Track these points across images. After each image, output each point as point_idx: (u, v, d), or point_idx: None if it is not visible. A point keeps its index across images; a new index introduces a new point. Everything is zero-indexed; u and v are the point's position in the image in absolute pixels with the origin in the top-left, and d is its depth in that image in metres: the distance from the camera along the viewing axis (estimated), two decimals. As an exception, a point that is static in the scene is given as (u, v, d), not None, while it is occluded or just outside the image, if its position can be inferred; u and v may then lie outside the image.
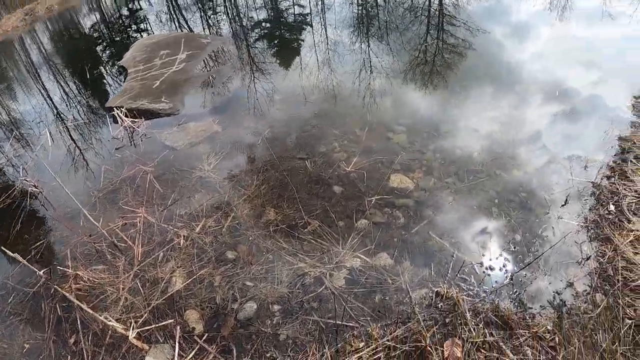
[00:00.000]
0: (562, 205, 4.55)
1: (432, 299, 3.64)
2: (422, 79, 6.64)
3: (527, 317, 3.64)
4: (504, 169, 4.68)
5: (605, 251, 4.32)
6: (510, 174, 4.83)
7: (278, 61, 7.61)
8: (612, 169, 5.15)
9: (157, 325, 3.14)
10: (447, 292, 3.71)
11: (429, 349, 3.40)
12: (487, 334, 3.62)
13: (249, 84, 7.19)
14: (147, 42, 9.04)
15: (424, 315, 3.64)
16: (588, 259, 4.19)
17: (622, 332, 3.61)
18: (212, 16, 10.66)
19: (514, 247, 4.04)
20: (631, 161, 5.22)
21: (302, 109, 6.14)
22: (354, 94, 6.39)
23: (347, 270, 3.64)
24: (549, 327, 3.69)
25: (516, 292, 3.81)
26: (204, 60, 7.81)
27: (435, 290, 3.82)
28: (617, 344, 3.55)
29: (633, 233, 4.42)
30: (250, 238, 4.04)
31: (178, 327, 3.13)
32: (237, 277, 3.56)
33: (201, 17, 10.66)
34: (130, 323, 3.10)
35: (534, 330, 3.65)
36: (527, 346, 3.47)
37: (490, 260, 3.92)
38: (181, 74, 7.26)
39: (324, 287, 3.47)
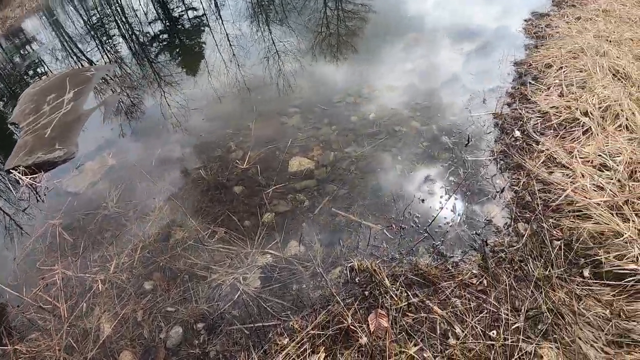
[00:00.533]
0: (467, 145, 4.31)
1: (347, 276, 3.49)
2: (326, 53, 6.70)
3: (450, 268, 3.42)
4: (402, 124, 4.77)
5: (518, 179, 4.24)
6: (409, 126, 4.82)
7: (183, 71, 7.84)
8: (512, 95, 5.04)
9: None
10: (360, 264, 3.37)
11: (353, 327, 3.22)
12: (411, 296, 3.43)
13: (143, 104, 7.08)
14: (32, 91, 8.43)
15: (343, 294, 3.48)
16: (502, 191, 4.12)
17: (553, 254, 3.53)
18: (107, 41, 10.06)
19: (423, 202, 4.00)
20: (530, 83, 5.10)
21: (195, 116, 6.08)
22: (255, 86, 6.45)
23: (260, 270, 3.57)
24: (474, 272, 3.54)
25: (434, 245, 3.64)
26: (92, 93, 7.31)
27: (349, 265, 3.48)
28: (549, 268, 3.44)
29: (544, 153, 4.38)
30: (161, 264, 3.85)
31: (116, 374, 2.76)
32: (159, 306, 3.46)
33: (97, 45, 10.03)
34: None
35: (459, 279, 3.49)
36: (454, 297, 3.17)
37: (401, 219, 3.84)
38: (71, 115, 6.79)
39: (239, 293, 3.40)
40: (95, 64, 9.41)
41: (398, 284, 3.47)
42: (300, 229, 3.83)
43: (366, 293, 3.45)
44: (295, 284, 3.40)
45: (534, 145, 4.49)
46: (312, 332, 3.22)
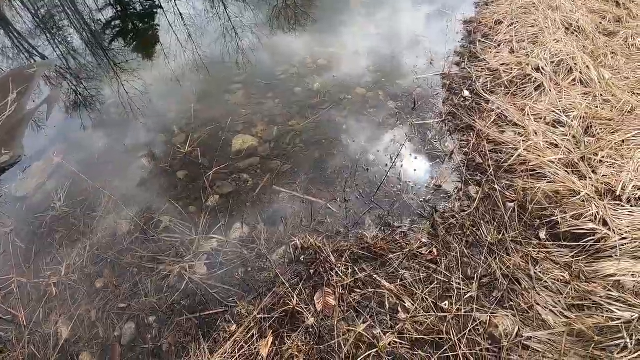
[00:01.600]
0: (413, 109, 4.08)
1: (292, 255, 3.36)
2: (280, 25, 6.48)
3: (398, 239, 3.18)
4: (347, 92, 4.59)
5: (468, 140, 4.09)
6: (354, 94, 4.69)
7: (132, 57, 7.34)
8: (461, 54, 4.82)
9: (59, 383, 2.61)
10: (304, 242, 3.15)
11: (299, 309, 3.07)
12: (357, 272, 3.25)
13: (87, 95, 6.67)
14: None
15: (288, 275, 3.31)
16: (451, 154, 3.98)
17: (507, 217, 3.39)
18: (58, 33, 9.45)
19: (368, 171, 3.87)
20: (480, 41, 4.81)
21: (139, 102, 5.90)
22: (207, 65, 6.12)
23: (205, 256, 3.42)
24: (423, 241, 3.38)
25: (380, 215, 3.54)
26: (36, 91, 6.86)
27: (292, 244, 3.31)
28: (504, 232, 3.30)
29: (494, 112, 4.25)
30: (110, 260, 3.76)
31: (76, 378, 2.82)
32: (111, 304, 3.35)
33: (48, 38, 9.42)
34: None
35: (408, 250, 3.33)
36: (403, 269, 3.01)
37: (345, 192, 3.71)
38: (14, 116, 6.36)
39: (185, 282, 3.27)
40: (36, 62, 8.87)
41: (344, 259, 3.28)
42: (245, 210, 3.66)
43: (311, 272, 3.26)
44: (240, 268, 3.26)
45: (483, 104, 4.35)
46: (258, 316, 3.05)
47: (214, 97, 5.31)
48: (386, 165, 3.66)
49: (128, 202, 4.17)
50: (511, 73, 4.57)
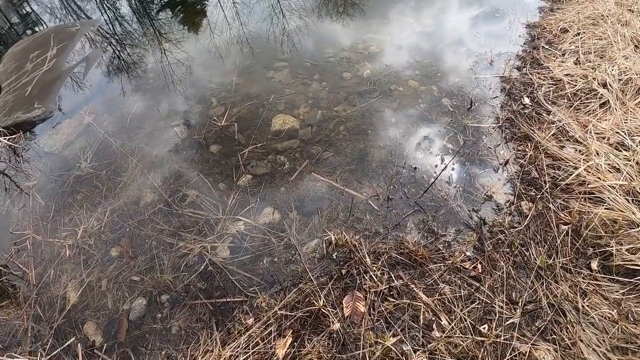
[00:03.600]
0: (469, 109, 3.61)
1: (324, 250, 3.00)
2: (328, 11, 5.92)
3: (441, 248, 2.85)
4: (398, 83, 4.26)
5: (525, 151, 3.61)
6: (406, 86, 4.23)
7: (174, 27, 6.97)
8: (522, 59, 4.29)
9: (61, 347, 2.82)
10: (339, 238, 2.72)
11: (324, 310, 2.71)
12: (394, 278, 2.87)
13: (127, 59, 6.30)
14: (17, 50, 7.67)
15: (317, 272, 2.97)
16: (506, 163, 3.51)
17: (559, 241, 2.96)
18: None
19: (415, 170, 3.48)
20: (543, 47, 4.24)
21: (178, 71, 5.44)
22: (249, 40, 5.68)
23: (230, 238, 3.14)
24: (468, 254, 2.98)
25: (424, 220, 3.10)
26: (76, 49, 6.58)
27: (326, 239, 3.04)
28: (554, 256, 2.87)
29: (555, 125, 3.74)
30: (129, 229, 3.43)
31: (79, 345, 2.81)
32: (124, 275, 3.12)
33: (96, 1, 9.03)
34: (39, 353, 2.81)
35: (450, 262, 2.93)
36: (443, 283, 2.84)
37: (389, 190, 3.32)
38: (52, 73, 6.11)
39: (205, 263, 3.01)
40: (79, 20, 8.52)
41: (380, 263, 2.92)
42: (279, 195, 3.36)
43: (343, 272, 2.90)
44: (266, 256, 2.99)
45: (544, 115, 3.86)
46: (279, 312, 2.73)
47: (257, 73, 4.92)
48: (435, 166, 3.19)
49: (155, 171, 3.79)
50: (575, 85, 4.06)
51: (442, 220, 3.04)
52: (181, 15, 7.05)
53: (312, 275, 2.87)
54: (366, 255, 2.88)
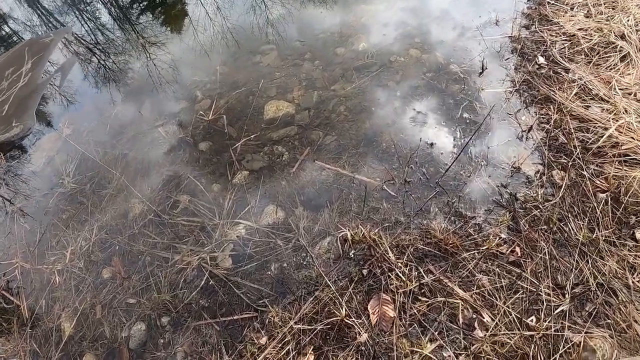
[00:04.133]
0: (481, 74, 3.17)
1: (339, 249, 2.61)
2: None
3: (472, 232, 2.46)
4: (399, 54, 3.90)
5: (548, 114, 3.21)
6: (407, 56, 3.82)
7: (150, 25, 6.25)
8: (529, 16, 3.80)
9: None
10: (355, 233, 2.24)
11: (347, 321, 2.31)
12: (423, 274, 2.48)
13: (102, 63, 5.71)
14: None
15: (334, 275, 2.56)
16: (530, 129, 3.11)
17: (599, 211, 2.58)
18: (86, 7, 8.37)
19: (432, 146, 3.09)
20: (549, 2, 3.79)
21: (158, 66, 4.84)
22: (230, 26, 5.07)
23: (231, 245, 2.74)
24: (503, 236, 2.57)
25: (449, 202, 2.74)
26: (51, 61, 6.04)
27: (340, 235, 2.65)
28: (596, 230, 2.49)
29: (576, 84, 3.33)
30: (119, 246, 3.04)
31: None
32: (119, 298, 2.74)
33: (67, 4, 8.34)
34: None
35: (485, 248, 2.53)
36: (480, 273, 2.47)
37: (406, 172, 2.94)
38: (28, 87, 5.63)
39: (205, 277, 2.63)
40: (53, 30, 7.92)
41: (405, 257, 2.51)
42: (281, 189, 2.99)
43: (364, 272, 2.50)
44: (274, 263, 2.62)
45: (562, 73, 3.43)
46: (296, 327, 2.34)
47: (243, 59, 4.42)
48: (454, 139, 2.68)
49: (141, 179, 3.39)
50: (591, 39, 3.64)
51: (469, 201, 2.69)
52: (160, 13, 6.40)
53: (329, 280, 2.48)
54: (388, 249, 2.48)
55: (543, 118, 3.15)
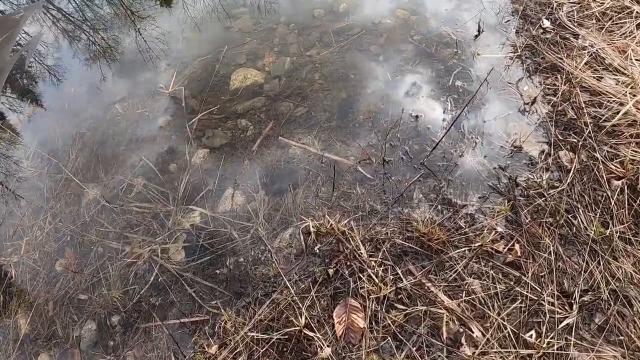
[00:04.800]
0: (476, 37, 2.96)
1: (302, 242, 2.11)
2: None
3: (462, 225, 2.10)
4: (384, 15, 3.40)
5: (555, 85, 2.66)
6: (394, 17, 3.27)
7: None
8: (533, -27, 3.08)
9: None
10: (321, 224, 1.84)
11: (307, 332, 1.82)
12: (401, 275, 1.95)
13: (68, 39, 4.87)
14: None
15: (295, 274, 2.05)
16: (534, 102, 2.57)
17: (613, 202, 2.06)
18: None
19: (417, 119, 2.57)
20: None
21: (123, 40, 4.10)
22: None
23: (184, 235, 2.32)
24: (500, 230, 2.05)
25: (436, 187, 2.22)
26: (20, 37, 5.40)
27: (302, 226, 2.13)
28: (611, 223, 1.99)
29: (586, 51, 2.79)
30: (69, 237, 2.58)
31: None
32: (70, 294, 2.35)
33: None
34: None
35: (478, 245, 2.00)
36: (470, 275, 1.95)
37: (384, 149, 2.40)
38: None
39: (156, 272, 2.24)
40: (23, 5, 7.22)
41: (380, 255, 2.00)
42: (242, 169, 2.55)
43: (330, 272, 1.99)
44: (229, 257, 2.19)
45: (571, 39, 2.89)
46: (249, 334, 1.89)
47: (212, 24, 3.78)
48: (444, 112, 2.08)
49: (96, 160, 2.92)
50: (603, 3, 3.09)
51: (460, 185, 2.23)
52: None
53: (289, 281, 2.01)
54: (360, 245, 2.01)
55: (549, 89, 2.63)
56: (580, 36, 2.88)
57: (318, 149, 2.48)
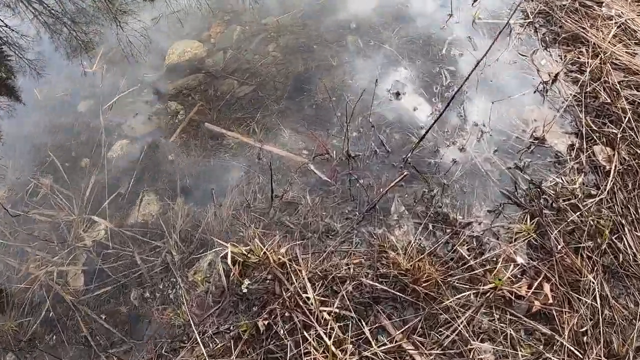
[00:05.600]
0: (474, 2, 2.27)
1: (223, 278, 1.42)
2: None
3: (465, 254, 1.31)
4: None
5: (579, 60, 1.99)
6: None
7: None
8: None
9: None
10: (250, 252, 1.11)
11: None
12: (369, 337, 1.19)
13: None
14: None
15: (212, 324, 1.34)
16: (554, 80, 1.87)
17: None
18: None
19: (397, 97, 1.88)
20: None
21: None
22: None
23: (85, 255, 1.77)
24: (520, 262, 1.35)
25: (423, 195, 1.53)
26: None
27: (223, 253, 1.39)
28: None
29: (614, 21, 2.16)
30: None
31: None
32: None
33: None
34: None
35: (489, 287, 1.27)
36: (479, 334, 1.23)
37: (348, 139, 1.71)
38: None
39: (48, 304, 1.72)
40: None
41: (338, 301, 1.23)
42: (161, 168, 1.88)
43: (260, 325, 1.22)
44: (134, 289, 1.61)
45: (594, 7, 2.27)
46: None
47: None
48: (434, 88, 1.15)
49: (4, 153, 2.32)
50: (630, -34, 2.59)
51: (461, 193, 1.54)
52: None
53: (202, 334, 1.32)
54: (308, 285, 1.29)
55: (574, 66, 1.99)
56: (604, 4, 2.32)
57: (257, 140, 1.63)
